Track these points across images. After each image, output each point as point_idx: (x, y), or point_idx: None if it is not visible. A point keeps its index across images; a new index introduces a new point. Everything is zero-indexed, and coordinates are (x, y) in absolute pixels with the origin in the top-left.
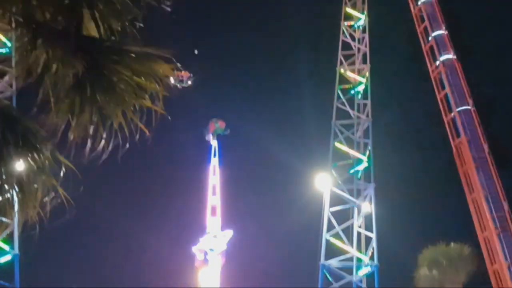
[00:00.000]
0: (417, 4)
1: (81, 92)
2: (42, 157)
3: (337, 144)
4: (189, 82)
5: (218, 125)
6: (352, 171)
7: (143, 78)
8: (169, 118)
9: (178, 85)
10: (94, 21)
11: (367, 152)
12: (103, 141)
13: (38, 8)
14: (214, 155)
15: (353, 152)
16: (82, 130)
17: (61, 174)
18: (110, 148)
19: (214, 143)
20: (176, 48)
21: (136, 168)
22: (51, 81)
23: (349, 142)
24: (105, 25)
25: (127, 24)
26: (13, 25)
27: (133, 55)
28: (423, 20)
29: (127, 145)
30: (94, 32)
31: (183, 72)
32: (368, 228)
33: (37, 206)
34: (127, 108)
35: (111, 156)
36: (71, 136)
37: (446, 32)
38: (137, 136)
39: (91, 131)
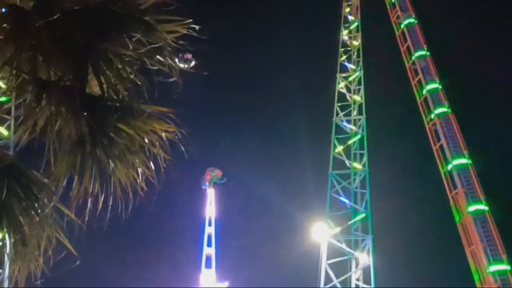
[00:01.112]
0: (411, 58)
1: (82, 149)
2: (45, 209)
3: (334, 195)
4: (193, 63)
5: (215, 173)
6: (349, 222)
7: (144, 137)
8: (164, 176)
9: (183, 65)
10: (99, 82)
11: (365, 203)
12: (103, 197)
13: (44, 66)
14: (210, 204)
15: (350, 203)
16: (83, 187)
17: (64, 225)
18: (110, 203)
19: (210, 191)
20: (177, 105)
21: (133, 219)
22: (54, 137)
23: (347, 192)
24: (109, 85)
25: (130, 85)
26: (18, 81)
27: (136, 113)
28: (417, 73)
29: (127, 201)
30: (97, 90)
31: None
32: (367, 281)
33: (40, 258)
34: (127, 165)
35: (112, 210)
36: (73, 193)
37: (440, 86)
38: (138, 192)
39: (91, 188)
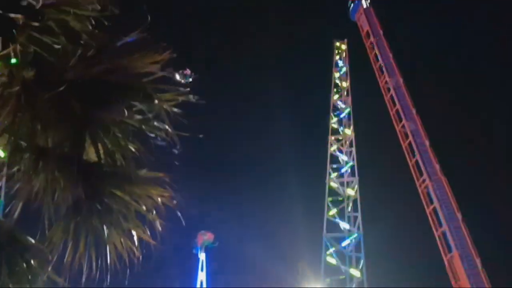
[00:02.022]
0: (400, 122)
1: (77, 216)
2: (38, 276)
3: (329, 258)
4: (191, 79)
5: (207, 237)
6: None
7: (140, 203)
8: (158, 244)
9: (183, 80)
10: (96, 150)
11: (360, 267)
12: (97, 264)
13: (42, 134)
14: (202, 269)
15: (345, 267)
16: (77, 254)
17: None
18: (104, 269)
19: (202, 256)
20: (172, 168)
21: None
22: (49, 204)
23: (341, 256)
24: (106, 153)
25: (127, 151)
26: (15, 149)
27: (132, 180)
28: (407, 136)
29: (122, 267)
30: (94, 156)
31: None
32: None
33: None
34: (122, 232)
35: (106, 276)
36: (67, 259)
37: (430, 148)
38: (131, 258)
39: (86, 254)
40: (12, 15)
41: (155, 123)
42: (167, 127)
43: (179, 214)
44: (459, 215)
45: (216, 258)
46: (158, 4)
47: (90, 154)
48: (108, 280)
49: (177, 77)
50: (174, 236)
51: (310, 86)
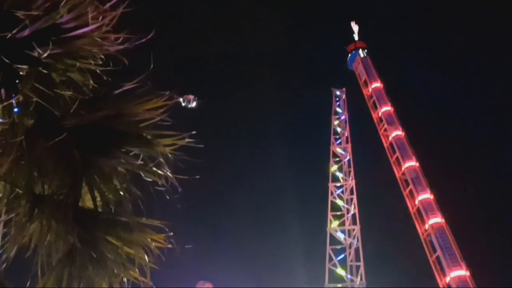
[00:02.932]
0: (400, 169)
1: (71, 263)
2: None
3: None
4: (195, 103)
5: (206, 286)
6: None
7: (133, 249)
8: (152, 285)
9: (186, 105)
10: (92, 197)
11: None
12: None
13: (38, 181)
14: None
15: None
16: None
17: None
18: None
19: None
20: (168, 217)
21: None
22: (43, 252)
23: None
24: (103, 200)
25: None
26: (12, 195)
27: (126, 226)
28: (408, 184)
29: None
30: (90, 203)
31: (189, 95)
32: None
33: None
34: (115, 279)
35: None
36: None
37: (432, 196)
38: None
39: None
40: (17, 65)
41: (154, 169)
42: (167, 172)
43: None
44: (463, 263)
45: None
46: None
47: (86, 201)
48: None
49: (181, 102)
50: (174, 284)
51: (311, 134)
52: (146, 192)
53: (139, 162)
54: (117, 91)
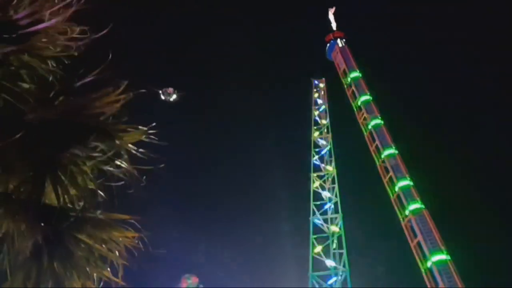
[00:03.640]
0: (380, 157)
1: (38, 263)
2: None
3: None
4: (174, 96)
5: (191, 281)
6: None
7: (104, 246)
8: (125, 284)
9: (166, 99)
10: (56, 193)
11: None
12: None
13: (1, 179)
14: None
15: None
16: None
17: None
18: None
19: None
20: (140, 211)
21: None
22: (9, 251)
23: None
24: (66, 196)
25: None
26: None
27: (94, 222)
28: (388, 171)
29: None
30: (54, 200)
31: (169, 88)
32: None
33: None
34: (86, 278)
35: None
36: None
37: (411, 183)
38: None
39: None
40: None
41: (118, 163)
42: (130, 166)
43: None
44: (443, 248)
45: None
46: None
47: (51, 198)
48: None
49: (161, 96)
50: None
51: (290, 124)
52: (114, 187)
53: (103, 156)
54: (77, 84)
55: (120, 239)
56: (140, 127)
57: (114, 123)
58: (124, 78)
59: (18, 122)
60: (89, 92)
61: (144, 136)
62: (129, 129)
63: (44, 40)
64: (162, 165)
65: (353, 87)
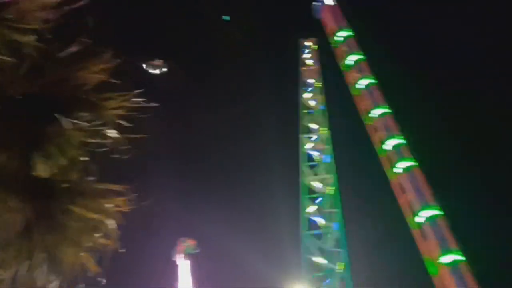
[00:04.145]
0: (370, 117)
1: (29, 237)
2: None
3: (309, 256)
4: (163, 69)
5: (188, 244)
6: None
7: (96, 216)
8: (122, 250)
9: (152, 70)
10: (44, 166)
11: (341, 261)
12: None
13: None
14: (184, 276)
15: (325, 262)
16: (31, 275)
17: None
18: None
19: (184, 263)
20: (133, 179)
21: None
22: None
23: (322, 252)
24: (55, 166)
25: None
26: None
27: (84, 192)
28: (377, 131)
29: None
30: (44, 172)
31: (156, 60)
32: None
33: None
34: (79, 248)
35: None
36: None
37: (403, 141)
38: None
39: (41, 275)
40: None
41: (104, 132)
42: (116, 134)
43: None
44: (433, 203)
45: (198, 264)
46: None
47: (40, 171)
48: None
49: (149, 68)
50: (154, 245)
51: (277, 86)
52: (103, 157)
53: (89, 127)
54: (60, 54)
55: (113, 208)
56: (125, 93)
57: (98, 92)
58: (108, 47)
59: (2, 93)
60: (71, 63)
61: (130, 103)
62: (113, 97)
63: (19, 11)
64: (150, 129)
65: (343, 47)
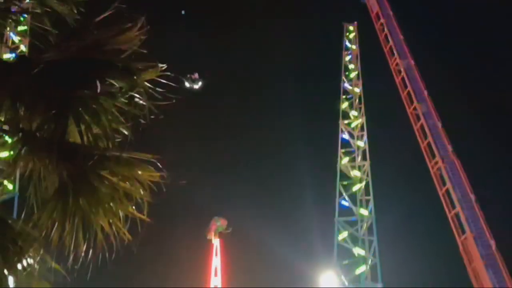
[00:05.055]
0: (411, 104)
1: (64, 198)
2: (32, 262)
3: (342, 242)
4: (200, 83)
5: (220, 223)
6: (358, 270)
7: (128, 184)
8: (152, 222)
9: (190, 85)
10: (78, 130)
11: (373, 250)
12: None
13: (25, 117)
14: (216, 255)
15: (358, 250)
16: (65, 235)
17: (51, 277)
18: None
19: (216, 242)
20: (162, 151)
21: (131, 269)
22: (35, 188)
23: (354, 239)
24: (89, 134)
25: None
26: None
27: (117, 160)
28: (419, 118)
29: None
30: (77, 138)
31: (194, 74)
32: None
33: None
34: (112, 215)
35: (103, 259)
36: (53, 240)
37: (442, 129)
38: (125, 239)
39: (73, 236)
40: None
41: (137, 100)
42: (148, 103)
43: (190, 86)
44: (472, 196)
45: (230, 244)
46: None
47: (75, 136)
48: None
49: (186, 83)
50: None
51: (320, 71)
52: (135, 127)
53: (122, 93)
54: (95, 20)
55: (144, 177)
56: (159, 64)
57: (132, 60)
58: (142, 15)
59: (38, 60)
60: (107, 30)
61: (162, 73)
62: (147, 66)
63: None
64: (181, 101)
65: (386, 31)
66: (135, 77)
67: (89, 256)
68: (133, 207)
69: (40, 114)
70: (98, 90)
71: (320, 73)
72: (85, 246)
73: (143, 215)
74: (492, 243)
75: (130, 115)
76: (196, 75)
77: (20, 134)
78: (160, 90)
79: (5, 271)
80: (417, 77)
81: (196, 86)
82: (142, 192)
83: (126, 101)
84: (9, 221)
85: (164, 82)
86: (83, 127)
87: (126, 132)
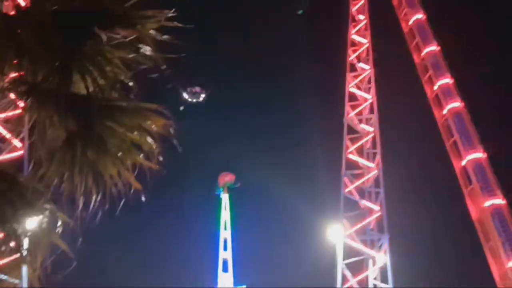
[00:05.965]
0: (420, 55)
1: (71, 149)
2: (41, 215)
3: (348, 195)
4: (203, 96)
5: (228, 178)
6: (364, 222)
7: (136, 134)
8: (165, 172)
9: (192, 99)
10: (84, 81)
11: (379, 202)
12: (95, 197)
13: (29, 69)
14: (225, 209)
15: (364, 202)
16: (74, 186)
17: (60, 229)
18: (105, 203)
19: (224, 197)
20: (169, 101)
21: (141, 222)
22: (42, 139)
23: (360, 192)
24: (94, 84)
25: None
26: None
27: (124, 110)
28: (427, 70)
29: (121, 198)
30: (83, 90)
31: (195, 87)
32: (384, 280)
33: (40, 263)
34: (120, 165)
35: (112, 209)
36: (64, 192)
37: (451, 80)
38: (134, 190)
39: (82, 187)
40: None
41: (142, 51)
42: (155, 54)
43: (194, 100)
44: (479, 147)
45: (238, 199)
46: None
47: (80, 87)
48: (113, 214)
49: (187, 97)
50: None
51: (329, 22)
52: (141, 76)
53: (127, 44)
54: None
55: (152, 127)
56: (164, 11)
57: (136, 9)
58: None
59: (41, 9)
60: None
61: (168, 21)
62: (151, 15)
63: None
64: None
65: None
66: (138, 26)
67: (99, 206)
68: (141, 157)
69: (45, 66)
70: (104, 40)
71: (328, 24)
72: (95, 196)
73: (152, 165)
74: (499, 192)
75: (136, 66)
76: (198, 88)
77: (26, 86)
78: (168, 40)
79: (15, 225)
80: (425, 26)
81: (199, 100)
82: (150, 142)
83: (133, 51)
84: (17, 177)
85: (173, 30)
86: (88, 78)
87: (131, 84)
